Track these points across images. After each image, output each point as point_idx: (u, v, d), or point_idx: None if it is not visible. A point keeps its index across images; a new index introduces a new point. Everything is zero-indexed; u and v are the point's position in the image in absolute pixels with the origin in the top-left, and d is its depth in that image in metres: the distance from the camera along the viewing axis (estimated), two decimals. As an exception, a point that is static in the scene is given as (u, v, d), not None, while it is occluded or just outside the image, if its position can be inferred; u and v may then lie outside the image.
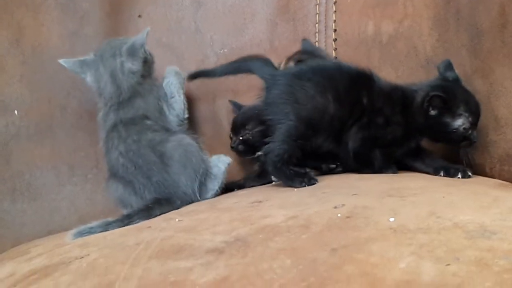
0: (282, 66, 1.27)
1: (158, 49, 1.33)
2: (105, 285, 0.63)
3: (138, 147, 1.11)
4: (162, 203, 1.06)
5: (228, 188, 1.28)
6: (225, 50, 1.39)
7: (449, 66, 1.08)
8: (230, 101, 1.38)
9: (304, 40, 1.36)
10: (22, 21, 1.30)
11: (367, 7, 1.34)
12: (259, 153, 1.20)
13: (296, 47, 1.33)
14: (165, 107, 1.20)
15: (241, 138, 1.28)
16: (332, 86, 1.06)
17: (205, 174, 1.15)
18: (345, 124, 1.07)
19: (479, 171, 1.04)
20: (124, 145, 1.11)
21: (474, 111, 1.02)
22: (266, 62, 1.13)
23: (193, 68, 1.37)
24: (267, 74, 1.10)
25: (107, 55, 1.16)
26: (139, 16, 1.37)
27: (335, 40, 1.39)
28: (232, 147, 1.29)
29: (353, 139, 1.07)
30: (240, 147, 1.28)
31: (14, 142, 1.27)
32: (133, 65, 1.16)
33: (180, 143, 1.14)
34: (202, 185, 1.14)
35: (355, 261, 0.57)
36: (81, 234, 0.95)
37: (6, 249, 1.13)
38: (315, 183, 1.01)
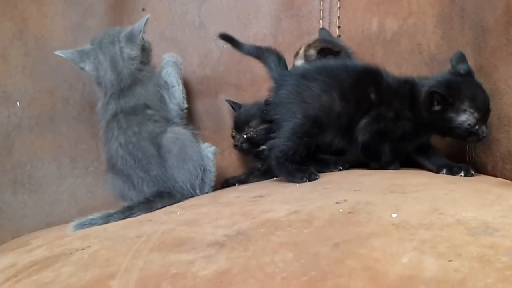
0: (301, 52, 1.28)
1: (162, 43, 1.34)
2: (106, 276, 0.63)
3: (138, 140, 1.11)
4: (163, 196, 1.06)
5: (229, 183, 1.28)
6: (229, 45, 1.39)
7: (461, 58, 1.06)
8: (227, 100, 1.37)
9: (322, 29, 1.37)
10: (25, 12, 1.30)
11: (372, 4, 1.35)
12: (264, 147, 1.20)
13: (300, 42, 1.33)
14: (166, 96, 1.19)
15: (245, 136, 1.27)
16: (337, 84, 1.07)
17: (204, 170, 1.15)
18: (353, 120, 1.07)
19: (481, 169, 1.04)
20: (124, 137, 1.11)
21: (481, 106, 1.00)
22: (280, 60, 1.14)
23: (196, 62, 1.38)
24: (277, 74, 1.12)
25: (106, 42, 1.16)
26: (143, 9, 1.37)
27: (339, 36, 1.39)
28: (235, 146, 1.28)
29: (362, 132, 1.07)
30: (244, 145, 1.27)
31: (15, 133, 1.27)
32: (132, 51, 1.16)
33: (178, 137, 1.13)
34: (202, 180, 1.14)
35: (357, 256, 0.57)
36: (82, 225, 0.95)
37: (6, 241, 1.14)
38: (317, 179, 1.01)
